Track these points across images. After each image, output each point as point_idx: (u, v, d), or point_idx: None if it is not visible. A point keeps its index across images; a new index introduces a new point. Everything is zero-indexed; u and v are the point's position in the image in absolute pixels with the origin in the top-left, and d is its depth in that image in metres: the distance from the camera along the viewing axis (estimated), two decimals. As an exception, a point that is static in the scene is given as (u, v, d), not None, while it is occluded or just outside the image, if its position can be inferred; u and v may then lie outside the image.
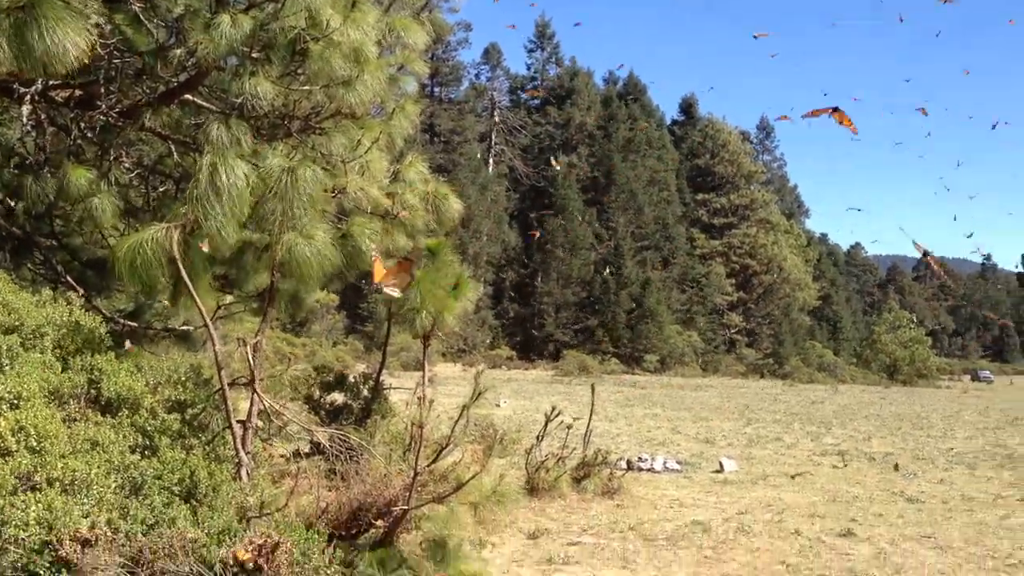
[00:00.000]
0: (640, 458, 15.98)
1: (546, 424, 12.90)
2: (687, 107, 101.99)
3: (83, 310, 6.95)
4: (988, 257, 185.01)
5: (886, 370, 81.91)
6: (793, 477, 15.45)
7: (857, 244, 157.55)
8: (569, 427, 13.19)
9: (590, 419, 14.51)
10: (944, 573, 8.98)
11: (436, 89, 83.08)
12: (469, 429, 7.96)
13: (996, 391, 69.94)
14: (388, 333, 12.43)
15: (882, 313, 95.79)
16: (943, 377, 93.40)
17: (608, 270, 71.49)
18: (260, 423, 8.07)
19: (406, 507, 6.70)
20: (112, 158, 8.86)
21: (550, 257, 73.49)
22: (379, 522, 6.92)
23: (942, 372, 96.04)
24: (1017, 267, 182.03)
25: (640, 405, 33.29)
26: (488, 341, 68.13)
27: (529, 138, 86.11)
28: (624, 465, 15.16)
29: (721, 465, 15.96)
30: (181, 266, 5.97)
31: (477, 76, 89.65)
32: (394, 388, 12.91)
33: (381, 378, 12.26)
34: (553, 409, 12.92)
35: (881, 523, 11.63)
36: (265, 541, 4.72)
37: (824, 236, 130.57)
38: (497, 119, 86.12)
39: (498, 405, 27.43)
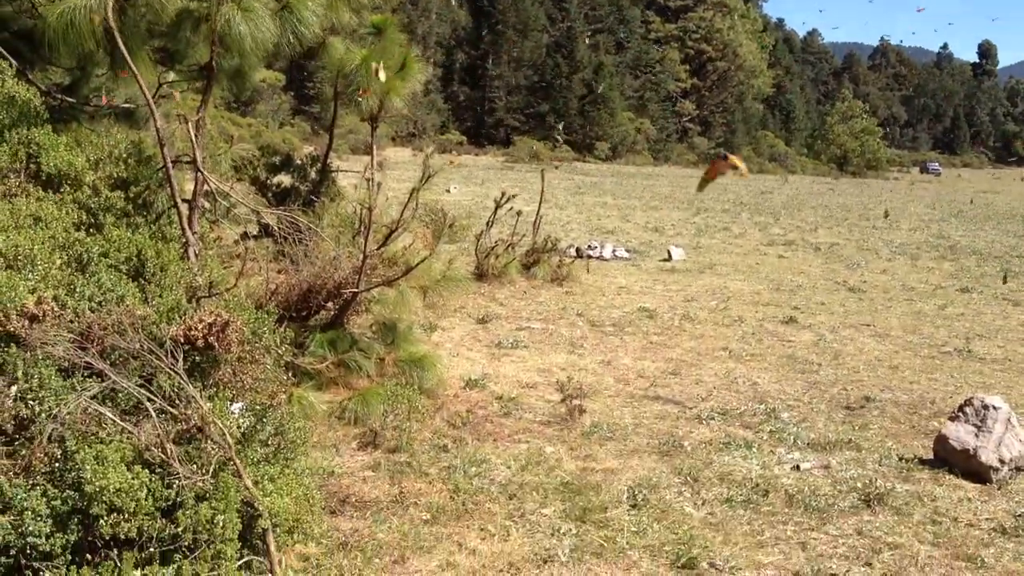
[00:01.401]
0: (589, 246, 16.10)
1: (496, 210, 12.84)
2: None
3: (17, 82, 6.57)
4: (945, 46, 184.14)
5: (836, 161, 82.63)
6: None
7: (814, 31, 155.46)
8: (519, 214, 13.15)
9: (540, 206, 14.48)
10: (881, 359, 9.30)
11: None
12: (419, 214, 7.87)
13: (944, 183, 71.11)
14: (335, 115, 12.04)
15: (835, 103, 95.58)
16: (892, 169, 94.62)
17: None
18: (207, 204, 7.89)
19: (356, 290, 6.66)
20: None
21: (501, 39, 71.49)
22: (329, 304, 6.90)
23: (892, 164, 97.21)
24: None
25: (591, 193, 33.39)
26: (438, 125, 67.13)
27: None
28: (573, 252, 15.28)
29: (669, 254, 16.16)
30: (118, 36, 5.60)
31: None
32: (342, 171, 12.67)
33: (329, 160, 12.00)
34: (503, 195, 12.83)
35: (823, 311, 11.95)
36: (215, 319, 4.64)
37: (780, 21, 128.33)
38: None
39: (448, 191, 27.33)
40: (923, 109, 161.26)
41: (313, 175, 11.87)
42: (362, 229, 7.54)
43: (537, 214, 14.19)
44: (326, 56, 9.06)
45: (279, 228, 7.65)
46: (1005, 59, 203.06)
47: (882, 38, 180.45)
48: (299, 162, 12.17)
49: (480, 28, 73.60)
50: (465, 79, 73.38)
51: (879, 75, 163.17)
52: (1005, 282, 15.12)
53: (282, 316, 6.05)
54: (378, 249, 7.06)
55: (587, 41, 74.27)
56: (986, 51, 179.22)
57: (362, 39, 8.95)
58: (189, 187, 7.21)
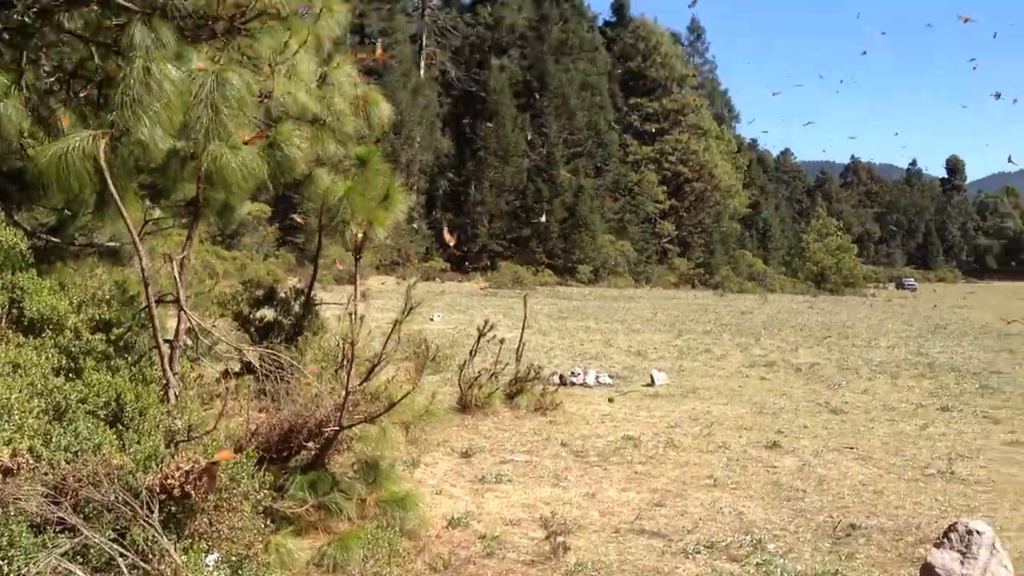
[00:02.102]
0: (573, 372, 16.10)
1: (478, 339, 12.86)
2: (618, 8, 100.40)
3: (3, 225, 6.64)
4: (914, 162, 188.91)
5: (814, 279, 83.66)
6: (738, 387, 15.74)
7: (787, 150, 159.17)
8: (502, 342, 13.18)
9: (522, 333, 14.53)
10: (865, 484, 9.23)
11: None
12: (401, 345, 7.86)
13: (920, 298, 71.88)
14: (319, 246, 12.12)
15: (810, 220, 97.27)
16: (869, 285, 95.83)
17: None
18: (189, 341, 7.88)
19: (337, 428, 6.62)
20: (31, 60, 8.40)
21: (483, 165, 72.80)
22: (310, 444, 6.83)
23: (868, 280, 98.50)
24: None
25: (573, 317, 33.55)
26: (422, 252, 67.74)
27: (460, 39, 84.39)
28: (557, 380, 15.27)
29: (652, 378, 16.16)
30: (108, 176, 5.70)
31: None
32: (326, 303, 12.71)
33: (313, 293, 12.03)
34: (486, 323, 12.87)
35: (806, 435, 11.91)
36: (193, 466, 4.61)
37: (754, 142, 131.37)
38: (428, 19, 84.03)
39: (432, 320, 27.39)
40: (896, 225, 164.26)
41: (296, 308, 11.86)
42: (344, 363, 7.52)
43: (520, 341, 14.22)
44: (311, 188, 9.19)
45: (261, 365, 7.63)
46: (973, 174, 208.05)
47: (852, 156, 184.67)
48: (283, 295, 12.18)
49: (463, 155, 75.05)
50: (448, 205, 74.45)
51: (851, 192, 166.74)
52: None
53: (262, 458, 5.98)
54: (360, 384, 7.04)
55: (567, 165, 75.67)
56: (954, 166, 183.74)
57: (347, 170, 9.10)
58: (172, 324, 7.22)
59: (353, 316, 7.21)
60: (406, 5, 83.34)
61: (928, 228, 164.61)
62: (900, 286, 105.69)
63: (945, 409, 14.24)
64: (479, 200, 72.41)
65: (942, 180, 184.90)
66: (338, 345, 9.24)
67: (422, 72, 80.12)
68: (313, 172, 9.16)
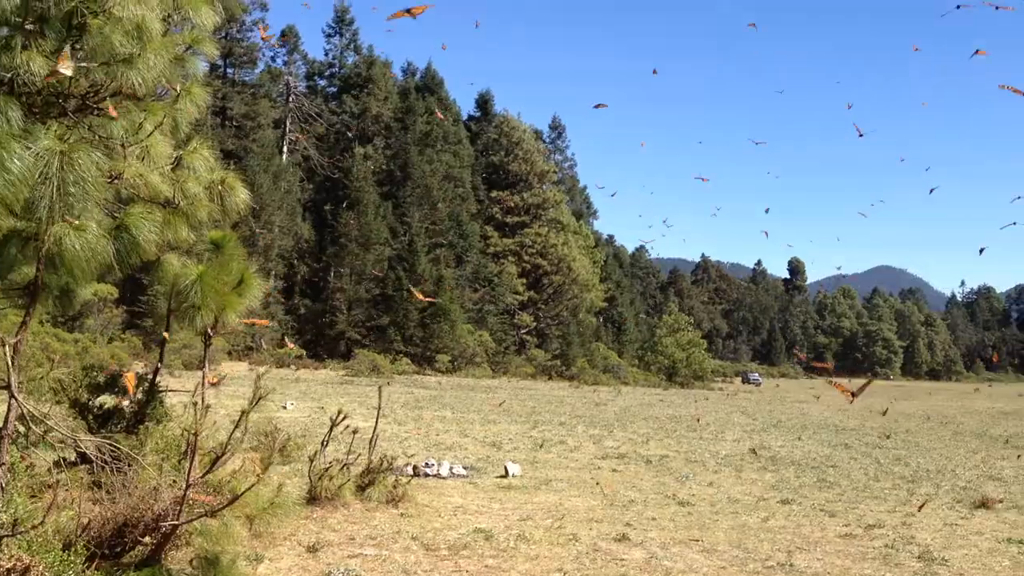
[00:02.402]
0: (427, 463, 15.92)
1: (331, 429, 12.62)
2: (483, 103, 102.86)
3: None
4: (759, 263, 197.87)
5: (666, 372, 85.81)
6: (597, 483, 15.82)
7: (642, 246, 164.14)
8: (355, 432, 12.98)
9: (376, 423, 14.33)
10: (711, 578, 9.37)
11: (230, 70, 79.93)
12: (250, 435, 7.65)
13: (764, 393, 74.37)
14: (167, 330, 11.78)
15: (663, 316, 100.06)
16: (717, 379, 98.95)
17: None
18: (20, 429, 7.48)
19: (176, 522, 6.35)
20: None
21: (344, 251, 72.35)
22: (147, 539, 6.53)
23: (716, 374, 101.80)
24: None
25: (430, 407, 33.31)
26: (277, 338, 66.38)
27: (325, 127, 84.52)
28: (410, 471, 15.07)
29: (506, 470, 16.13)
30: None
31: (273, 59, 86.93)
32: (172, 390, 12.27)
33: (158, 379, 11.60)
34: (339, 413, 12.65)
35: (654, 527, 12.05)
36: (15, 564, 4.33)
37: (611, 237, 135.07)
38: (292, 105, 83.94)
39: (284, 407, 26.76)
40: (742, 322, 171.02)
41: (139, 395, 11.42)
42: (187, 454, 7.26)
43: (374, 431, 14.01)
44: (161, 272, 8.97)
45: (98, 455, 7.29)
46: (813, 274, 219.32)
47: (703, 255, 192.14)
48: (125, 381, 11.71)
49: (323, 241, 74.48)
50: (306, 291, 73.47)
51: (701, 289, 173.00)
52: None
53: (93, 554, 5.67)
54: (203, 476, 6.80)
55: (428, 254, 75.93)
56: (795, 268, 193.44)
57: (200, 254, 8.92)
58: (2, 410, 6.83)
59: (198, 405, 7.00)
60: (271, 91, 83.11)
61: (772, 325, 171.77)
62: (746, 380, 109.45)
63: (785, 502, 14.66)
64: (338, 287, 71.76)
65: (784, 280, 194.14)
66: (182, 434, 8.93)
67: (284, 157, 79.73)
68: (163, 256, 8.96)
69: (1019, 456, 24.61)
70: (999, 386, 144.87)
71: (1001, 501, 15.60)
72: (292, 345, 58.62)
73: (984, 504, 15.19)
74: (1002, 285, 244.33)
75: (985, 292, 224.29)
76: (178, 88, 8.84)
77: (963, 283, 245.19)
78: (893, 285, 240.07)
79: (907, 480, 18.49)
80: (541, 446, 21.44)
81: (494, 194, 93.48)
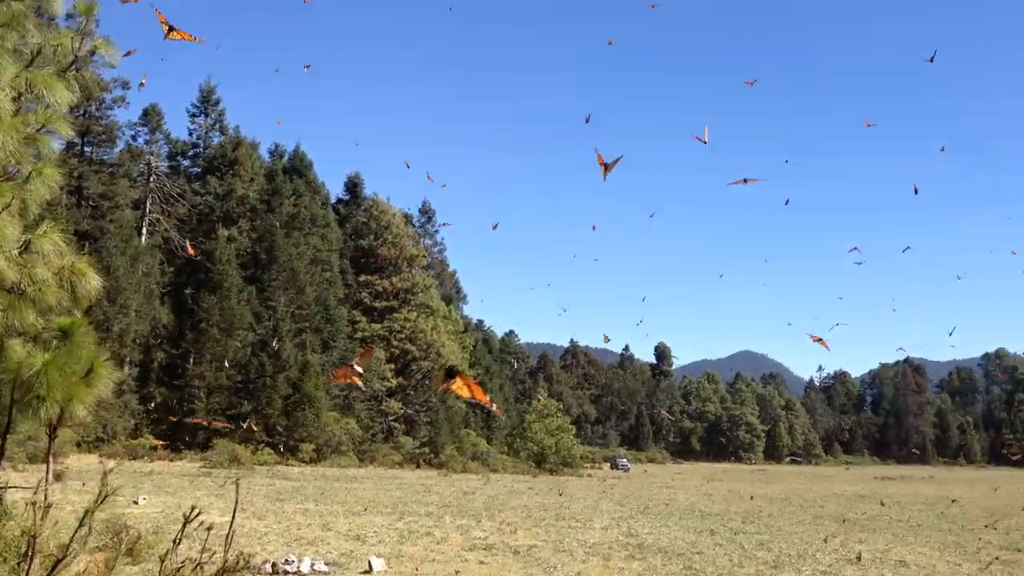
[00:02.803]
0: (287, 560, 15.27)
1: (184, 525, 11.94)
2: (352, 186, 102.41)
3: None
4: (626, 348, 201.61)
5: (535, 458, 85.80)
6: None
7: (511, 332, 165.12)
8: (210, 528, 12.31)
9: (233, 518, 13.67)
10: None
11: (87, 149, 77.32)
12: (97, 535, 7.15)
13: (632, 479, 75.01)
14: (9, 421, 11.03)
15: (532, 401, 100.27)
16: (586, 464, 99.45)
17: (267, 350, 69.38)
18: None
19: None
20: None
21: (204, 337, 70.08)
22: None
23: (585, 460, 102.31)
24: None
25: (292, 499, 32.27)
26: (131, 428, 63.50)
27: (188, 208, 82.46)
28: (269, 568, 14.42)
29: (370, 565, 15.61)
30: None
31: (134, 138, 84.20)
32: (13, 487, 11.44)
33: (-3, 475, 10.84)
34: (193, 509, 12.00)
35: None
36: None
37: (480, 322, 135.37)
38: (154, 186, 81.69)
39: (136, 503, 25.47)
40: (611, 407, 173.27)
41: (-26, 492, 10.61)
42: (27, 556, 6.73)
43: (230, 528, 13.33)
44: (4, 360, 8.46)
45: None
46: (679, 359, 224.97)
47: (572, 340, 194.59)
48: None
49: (182, 326, 72.07)
50: (164, 379, 70.61)
51: (570, 375, 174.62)
52: None
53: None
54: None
55: (293, 339, 74.38)
56: (662, 353, 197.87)
57: (47, 342, 8.49)
58: None
59: (39, 504, 6.51)
60: (131, 170, 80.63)
61: (640, 411, 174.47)
62: (615, 466, 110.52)
63: (653, 591, 14.62)
64: (197, 373, 69.31)
65: (652, 366, 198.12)
66: (22, 535, 8.30)
67: (144, 239, 77.36)
68: (6, 343, 8.48)
69: (876, 539, 25.33)
70: (856, 468, 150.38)
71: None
72: (147, 436, 56.15)
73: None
74: (856, 370, 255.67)
75: (841, 377, 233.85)
76: (28, 168, 8.48)
77: (820, 368, 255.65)
78: (755, 370, 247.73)
79: (770, 566, 18.74)
80: (407, 538, 20.93)
81: (363, 278, 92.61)
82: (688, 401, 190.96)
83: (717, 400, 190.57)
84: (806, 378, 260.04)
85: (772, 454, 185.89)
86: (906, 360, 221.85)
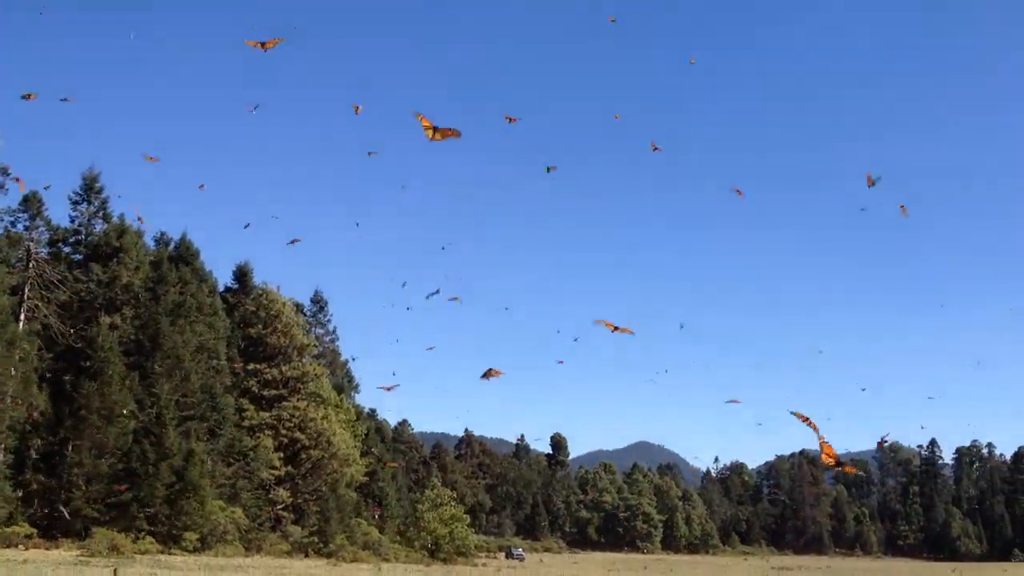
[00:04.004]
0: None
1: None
2: (241, 275, 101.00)
3: None
4: (522, 437, 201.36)
5: (428, 548, 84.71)
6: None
7: (404, 421, 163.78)
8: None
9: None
10: None
11: (-36, 234, 75.13)
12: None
13: (528, 568, 74.39)
14: None
15: (425, 491, 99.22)
16: (481, 554, 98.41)
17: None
18: None
19: None
20: None
21: (84, 423, 67.47)
22: None
23: (480, 549, 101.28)
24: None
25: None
26: (4, 517, 60.55)
27: (69, 294, 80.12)
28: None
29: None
30: None
31: (13, 224, 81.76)
32: None
33: None
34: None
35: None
36: None
37: (373, 412, 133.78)
38: (33, 272, 79.30)
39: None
40: (506, 496, 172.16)
41: None
42: None
43: None
44: None
45: None
46: (576, 450, 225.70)
47: (466, 429, 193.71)
48: None
49: (61, 412, 69.43)
50: (40, 466, 67.65)
51: (465, 464, 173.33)
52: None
53: None
54: None
55: (178, 427, 72.34)
56: (558, 443, 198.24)
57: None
58: None
59: None
60: (9, 256, 78.31)
61: (535, 500, 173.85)
62: (509, 555, 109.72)
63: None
64: (76, 461, 66.60)
65: (547, 455, 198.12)
66: None
67: (21, 324, 74.75)
68: None
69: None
70: (754, 559, 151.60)
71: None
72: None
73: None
74: (752, 462, 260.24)
75: (738, 468, 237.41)
76: None
77: (717, 459, 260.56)
78: (651, 460, 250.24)
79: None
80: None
81: (251, 367, 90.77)
82: (584, 491, 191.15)
83: (614, 490, 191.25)
84: (703, 469, 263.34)
85: (669, 544, 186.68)
86: (801, 452, 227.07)
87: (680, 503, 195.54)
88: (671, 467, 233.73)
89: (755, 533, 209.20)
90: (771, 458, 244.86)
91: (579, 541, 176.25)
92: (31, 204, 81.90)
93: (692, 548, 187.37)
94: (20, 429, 66.95)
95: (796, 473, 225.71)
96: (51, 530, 63.19)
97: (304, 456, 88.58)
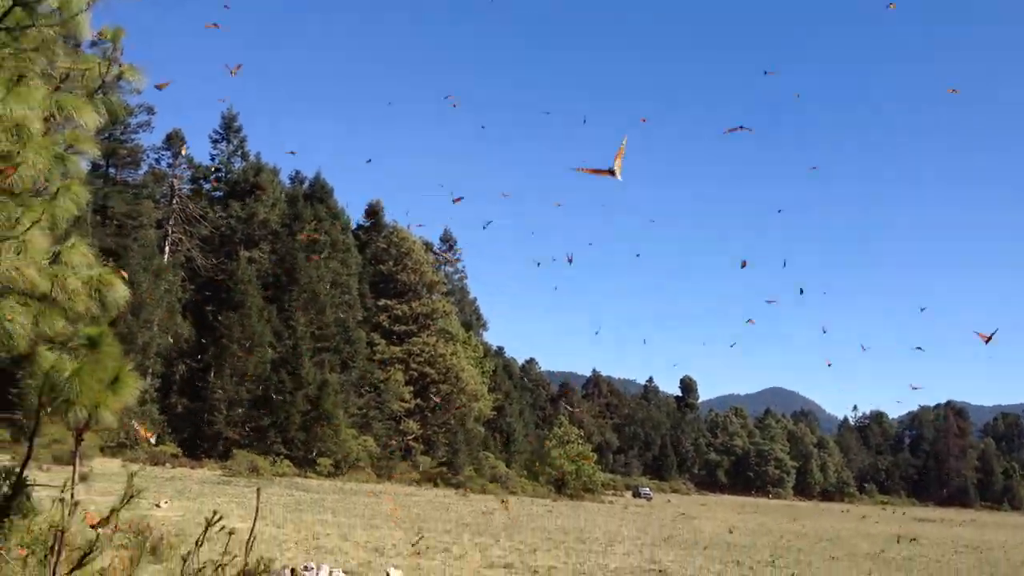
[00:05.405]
0: (306, 567, 15.55)
1: (206, 529, 12.26)
2: (373, 213, 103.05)
3: None
4: (651, 379, 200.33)
5: (555, 483, 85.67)
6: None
7: (532, 359, 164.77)
8: (231, 533, 12.62)
9: (254, 524, 13.99)
10: None
11: (112, 170, 78.64)
12: (121, 534, 7.48)
13: (655, 507, 74.60)
14: (37, 423, 11.36)
15: (553, 428, 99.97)
16: (607, 492, 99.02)
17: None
18: None
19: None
20: None
21: (225, 352, 70.67)
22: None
23: (606, 487, 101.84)
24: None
25: (311, 510, 32.54)
26: (154, 437, 64.09)
27: (210, 229, 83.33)
28: (288, 574, 14.70)
29: (388, 575, 15.87)
30: None
31: (158, 161, 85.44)
32: (40, 485, 11.80)
33: (26, 473, 11.17)
34: (214, 513, 12.33)
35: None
36: None
37: (500, 349, 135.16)
38: (176, 207, 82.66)
39: (158, 506, 25.85)
40: (633, 437, 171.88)
41: (5, 489, 10.98)
42: (54, 550, 7.05)
43: (251, 533, 13.66)
44: (34, 365, 8.77)
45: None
46: (705, 393, 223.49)
47: (594, 369, 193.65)
48: (-10, 474, 11.23)
49: (203, 341, 72.83)
50: (185, 390, 71.32)
51: (592, 403, 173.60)
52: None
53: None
54: (69, 573, 6.60)
55: (312, 358, 74.89)
56: (687, 386, 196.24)
57: (75, 350, 8.78)
58: None
59: (66, 501, 6.83)
60: (154, 192, 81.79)
61: (664, 441, 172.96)
62: (637, 495, 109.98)
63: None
64: (218, 386, 69.85)
65: (677, 398, 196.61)
66: (49, 530, 8.61)
67: (166, 257, 78.21)
68: (37, 349, 8.79)
69: None
70: (893, 509, 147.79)
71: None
72: (146, 432, 56.39)
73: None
74: (894, 412, 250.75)
75: (878, 417, 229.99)
76: (57, 185, 8.81)
77: (855, 407, 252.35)
78: (785, 407, 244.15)
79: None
80: (425, 553, 21.14)
81: (382, 302, 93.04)
82: (714, 434, 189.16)
83: (744, 435, 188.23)
84: (839, 417, 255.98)
85: (803, 490, 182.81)
86: (948, 403, 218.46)
87: (815, 450, 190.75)
88: (806, 414, 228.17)
89: (895, 483, 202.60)
90: (914, 409, 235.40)
91: (708, 483, 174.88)
92: (174, 142, 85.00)
93: (827, 495, 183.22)
94: (167, 355, 70.55)
95: (941, 424, 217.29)
96: (195, 451, 66.64)
97: (433, 390, 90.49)
